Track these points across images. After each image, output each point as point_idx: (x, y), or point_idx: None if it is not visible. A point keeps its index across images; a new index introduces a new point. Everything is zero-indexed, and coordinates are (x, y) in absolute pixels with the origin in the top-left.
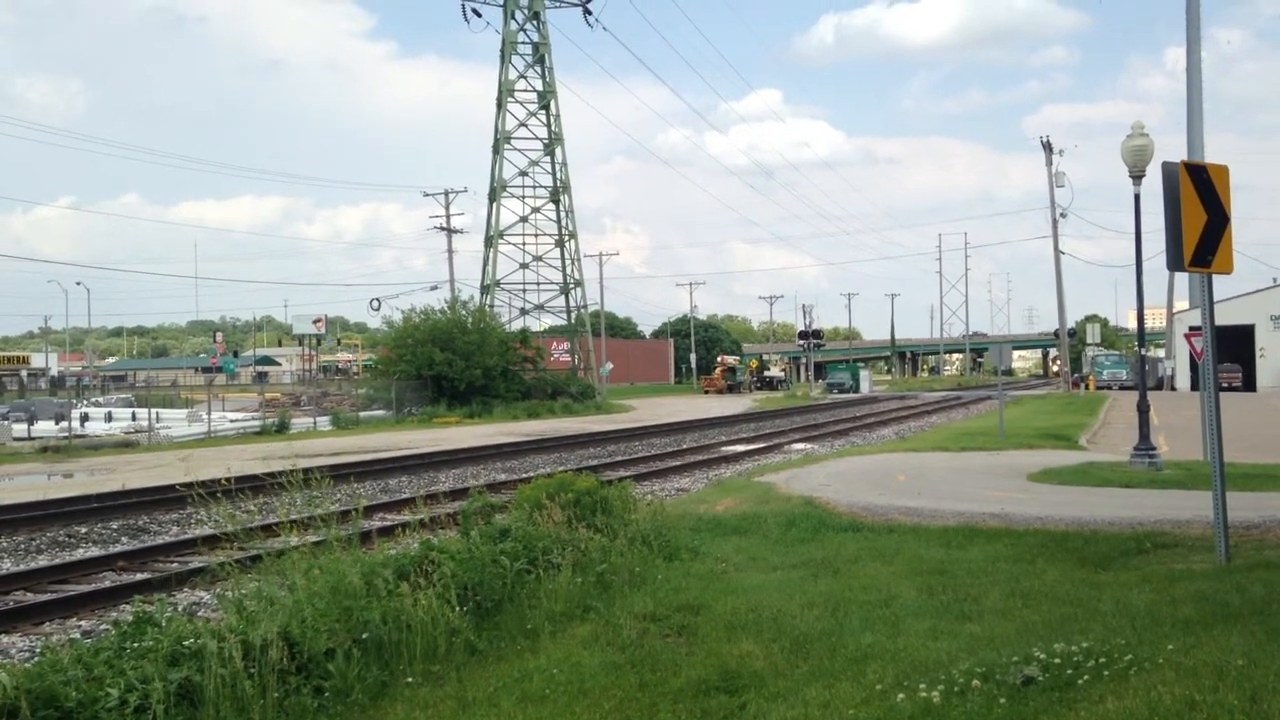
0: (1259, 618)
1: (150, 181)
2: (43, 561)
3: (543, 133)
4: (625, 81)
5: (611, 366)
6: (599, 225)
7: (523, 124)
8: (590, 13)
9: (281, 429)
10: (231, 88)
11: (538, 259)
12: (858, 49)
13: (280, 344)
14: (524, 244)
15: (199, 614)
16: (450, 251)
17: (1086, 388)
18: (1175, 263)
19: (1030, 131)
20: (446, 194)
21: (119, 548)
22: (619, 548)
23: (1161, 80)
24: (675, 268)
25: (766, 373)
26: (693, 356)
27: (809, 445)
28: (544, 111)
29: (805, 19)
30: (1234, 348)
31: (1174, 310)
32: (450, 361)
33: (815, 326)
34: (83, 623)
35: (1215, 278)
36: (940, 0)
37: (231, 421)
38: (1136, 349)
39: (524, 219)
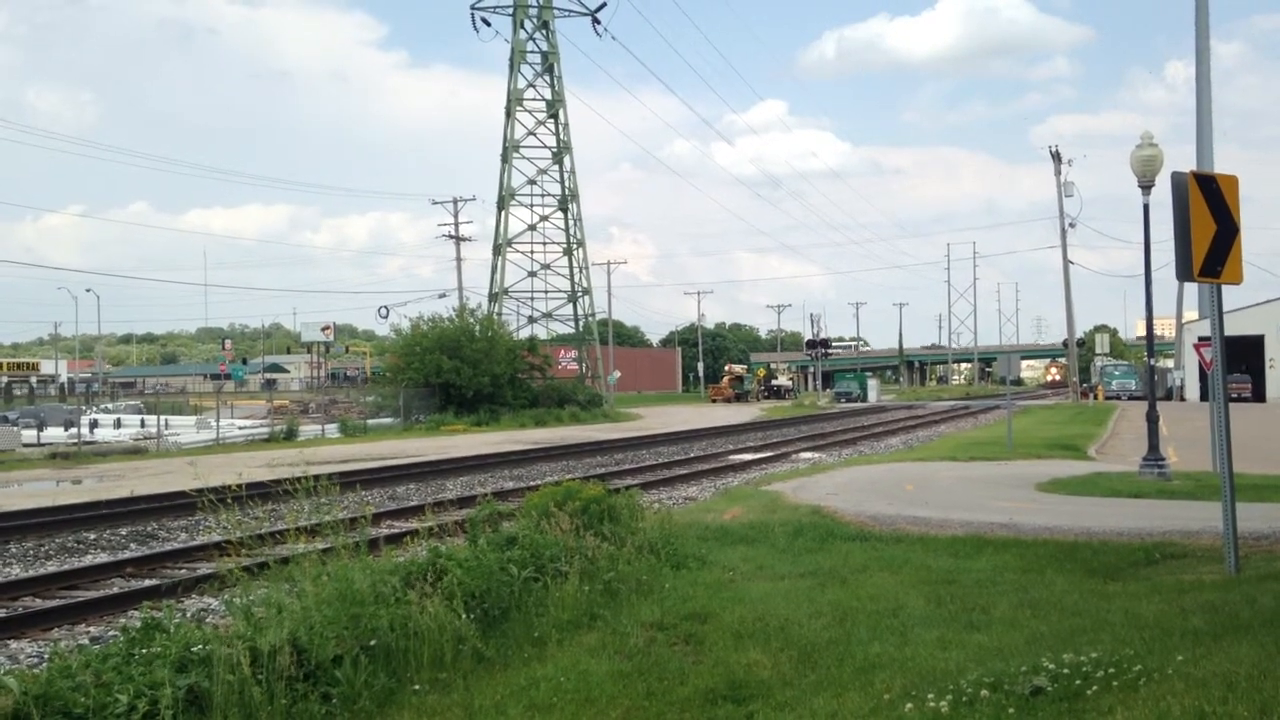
0: (1269, 629)
1: (159, 190)
2: (52, 567)
3: (551, 141)
4: (633, 90)
5: (619, 375)
6: (606, 234)
7: (531, 133)
8: (599, 22)
9: (289, 436)
10: (241, 97)
11: (546, 267)
12: (861, 62)
13: (289, 351)
14: (532, 252)
15: (207, 620)
16: (459, 259)
17: (1095, 398)
18: (1184, 273)
19: (1034, 142)
20: (455, 202)
21: (128, 554)
22: (626, 556)
23: (1162, 93)
24: (682, 276)
25: (774, 381)
26: (700, 365)
27: (816, 454)
28: (552, 120)
29: (808, 32)
30: (1244, 358)
31: (1183, 320)
32: (458, 369)
33: (823, 335)
34: (91, 628)
35: (1224, 288)
36: (941, 15)
37: (240, 429)
38: (1145, 359)
39: (532, 227)
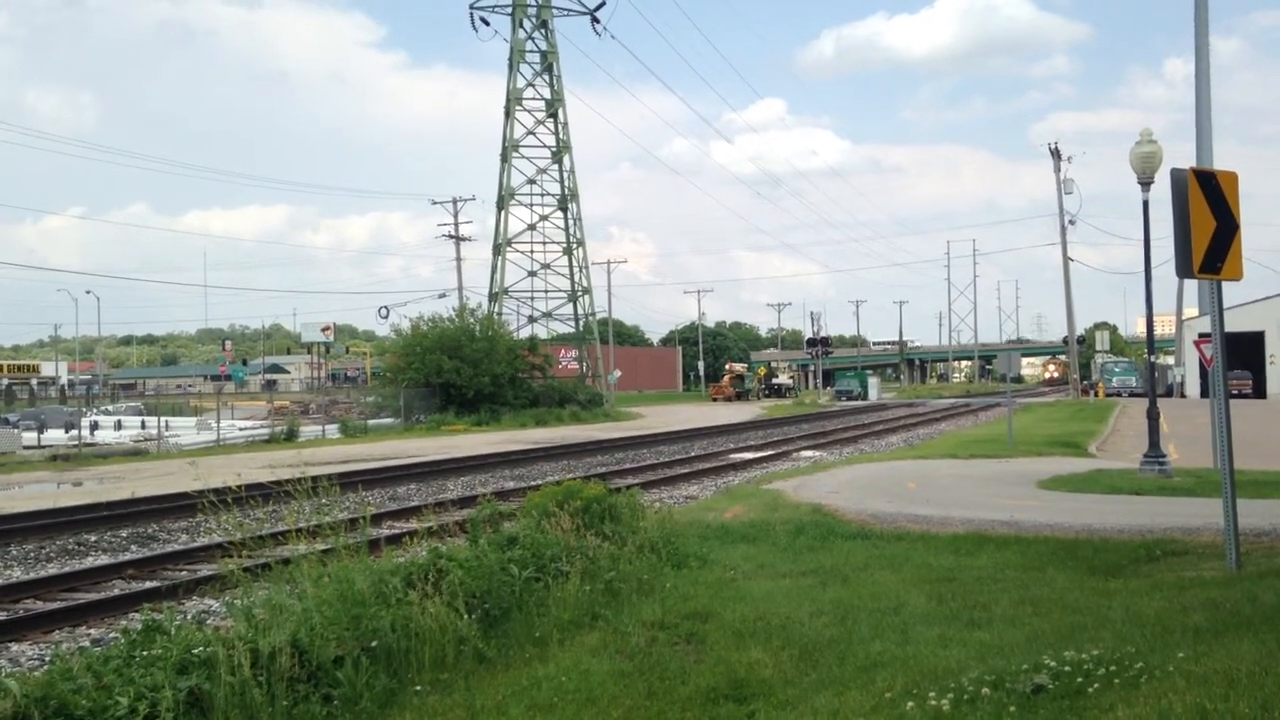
0: (1270, 625)
1: (158, 191)
2: (52, 570)
3: (551, 141)
4: (633, 89)
5: (619, 374)
6: (606, 234)
7: (531, 132)
8: (598, 21)
9: (290, 437)
10: (240, 99)
11: (546, 267)
12: (860, 60)
13: (289, 352)
14: (532, 252)
15: (208, 622)
16: (459, 259)
17: (1096, 395)
18: (1184, 270)
19: (1034, 140)
20: (455, 202)
21: (128, 556)
22: (627, 555)
23: (1161, 90)
24: (682, 275)
25: (775, 380)
26: (700, 364)
27: (818, 452)
28: (552, 120)
29: (807, 31)
30: (1244, 354)
31: (1183, 317)
32: (458, 369)
33: (823, 334)
34: (92, 631)
35: (1225, 284)
36: (939, 13)
37: (240, 430)
38: (1146, 356)
39: (532, 227)
